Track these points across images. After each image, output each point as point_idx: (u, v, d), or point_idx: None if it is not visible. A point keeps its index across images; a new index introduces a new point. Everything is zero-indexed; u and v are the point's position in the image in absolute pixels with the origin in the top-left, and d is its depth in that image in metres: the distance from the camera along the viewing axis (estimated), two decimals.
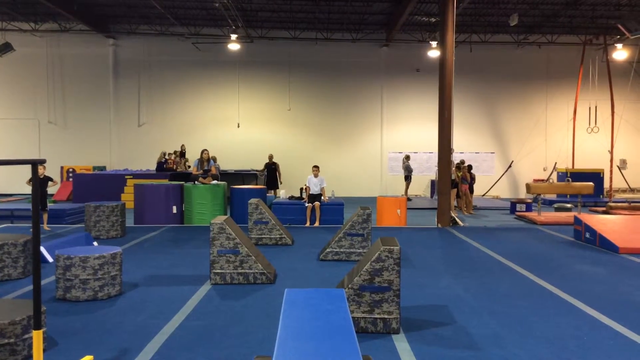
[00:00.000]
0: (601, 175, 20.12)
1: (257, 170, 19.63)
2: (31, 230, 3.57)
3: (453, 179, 14.35)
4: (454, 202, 15.60)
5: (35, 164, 3.63)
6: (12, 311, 4.49)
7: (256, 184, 18.86)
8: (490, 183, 22.01)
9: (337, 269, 7.86)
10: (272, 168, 18.53)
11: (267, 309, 5.87)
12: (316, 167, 12.90)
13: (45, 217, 11.81)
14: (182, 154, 20.25)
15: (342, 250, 8.69)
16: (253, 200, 10.27)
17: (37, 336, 3.53)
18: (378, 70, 22.34)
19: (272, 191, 17.75)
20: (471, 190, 16.50)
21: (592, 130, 20.92)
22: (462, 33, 20.90)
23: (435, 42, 20.06)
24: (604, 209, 15.86)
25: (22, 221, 13.01)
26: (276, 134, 22.22)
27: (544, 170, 22.51)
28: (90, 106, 21.93)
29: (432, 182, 20.58)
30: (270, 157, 18.75)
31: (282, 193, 14.79)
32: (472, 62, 21.60)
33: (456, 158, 16.49)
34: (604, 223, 10.68)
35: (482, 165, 22.41)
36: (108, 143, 22.05)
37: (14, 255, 7.23)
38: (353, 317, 5.00)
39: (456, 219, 13.39)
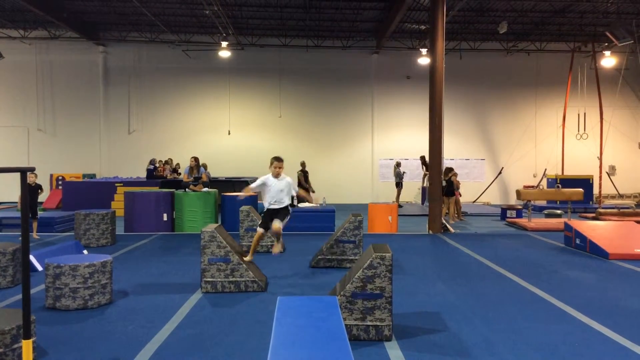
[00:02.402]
0: (590, 182, 20.26)
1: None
2: (20, 238, 3.54)
3: (444, 186, 14.35)
4: (453, 209, 15.63)
5: (24, 172, 3.60)
6: (1, 321, 4.44)
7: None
8: (481, 189, 22.09)
9: (329, 276, 7.84)
10: (306, 176, 17.65)
11: (258, 317, 5.84)
12: (278, 159, 7.51)
13: (35, 225, 11.71)
14: (166, 163, 20.05)
15: (333, 257, 8.67)
16: (244, 208, 10.24)
17: (26, 346, 3.49)
18: (369, 77, 22.43)
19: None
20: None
21: (581, 136, 21.08)
22: (452, 40, 21.05)
23: (426, 50, 20.17)
24: (593, 215, 15.96)
25: (11, 229, 12.89)
26: (267, 141, 22.21)
27: (534, 176, 22.64)
28: (80, 114, 21.84)
29: (423, 188, 20.63)
30: (303, 164, 17.75)
31: None
32: (462, 69, 21.74)
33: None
34: (594, 229, 10.73)
35: (472, 172, 22.52)
36: (98, 150, 21.95)
37: (2, 264, 7.16)
38: (345, 325, 4.99)
39: (447, 225, 13.42)
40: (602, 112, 20.29)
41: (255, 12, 19.09)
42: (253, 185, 7.56)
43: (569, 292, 7.00)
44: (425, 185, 20.45)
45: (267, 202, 7.46)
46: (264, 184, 7.47)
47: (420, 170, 21.59)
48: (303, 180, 17.36)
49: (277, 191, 7.40)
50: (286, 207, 7.49)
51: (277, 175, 7.38)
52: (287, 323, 2.82)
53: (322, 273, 8.19)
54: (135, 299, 6.60)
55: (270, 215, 7.42)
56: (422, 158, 19.96)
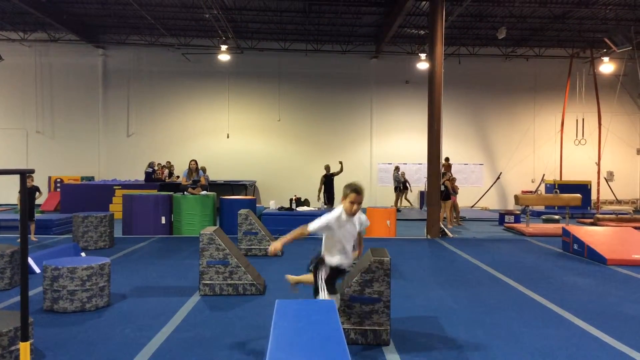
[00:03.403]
0: (589, 187, 20.30)
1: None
2: (18, 240, 3.54)
3: (442, 190, 14.36)
4: (450, 214, 15.64)
5: (23, 174, 3.60)
6: None
7: (245, 195, 18.81)
8: (479, 194, 22.11)
9: None
10: (330, 180, 16.59)
11: (256, 320, 5.84)
12: (358, 191, 4.67)
13: (32, 227, 11.69)
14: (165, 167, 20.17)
15: None
16: (243, 211, 10.25)
17: (24, 348, 3.49)
18: (368, 81, 22.46)
19: (331, 205, 16.01)
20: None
21: (579, 142, 21.12)
22: (450, 45, 21.09)
23: (424, 55, 20.22)
24: (591, 220, 16.00)
25: (9, 231, 12.88)
26: (266, 145, 22.23)
27: (532, 181, 22.66)
28: (79, 116, 21.85)
29: (422, 193, 20.64)
30: (328, 167, 16.74)
31: (272, 204, 14.75)
32: (460, 74, 21.78)
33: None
34: (592, 235, 10.75)
35: (470, 177, 22.54)
36: (97, 153, 21.94)
37: (0, 265, 7.15)
38: (343, 329, 4.98)
39: (445, 230, 13.43)
40: (600, 118, 20.33)
41: (255, 16, 19.12)
42: (314, 226, 4.53)
43: (566, 297, 7.01)
44: (399, 206, 20.19)
45: (331, 254, 4.67)
46: (328, 227, 4.56)
47: (419, 175, 21.60)
48: (321, 186, 16.40)
49: (350, 236, 4.69)
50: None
51: (353, 212, 4.66)
52: (285, 326, 2.82)
53: None
54: (133, 302, 6.60)
55: (337, 276, 4.76)
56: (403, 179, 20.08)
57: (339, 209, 4.64)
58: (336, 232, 4.58)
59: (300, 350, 2.48)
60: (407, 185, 19.98)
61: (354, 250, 4.83)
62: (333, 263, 4.63)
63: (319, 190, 16.38)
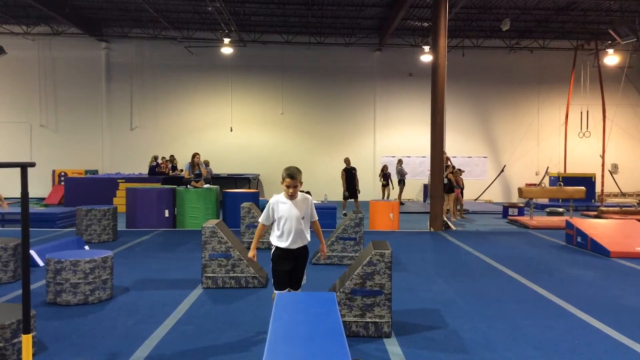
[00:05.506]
0: (593, 180, 20.23)
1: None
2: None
3: (446, 183, 14.33)
4: (454, 206, 15.61)
5: (24, 167, 3.60)
6: (1, 315, 4.45)
7: (249, 188, 18.82)
8: (483, 187, 22.06)
9: (329, 272, 7.85)
10: (352, 173, 15.81)
11: (258, 312, 5.85)
12: (291, 175, 4.62)
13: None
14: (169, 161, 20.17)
15: (334, 254, 8.68)
16: (245, 204, 10.26)
17: (26, 340, 3.50)
18: (371, 74, 22.39)
19: (354, 201, 15.64)
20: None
21: (583, 134, 21.04)
22: (454, 38, 21.00)
23: (428, 47, 20.13)
24: (595, 213, 15.95)
25: (14, 225, 12.92)
26: (269, 138, 22.21)
27: (536, 174, 22.60)
28: (83, 110, 21.86)
29: (425, 186, 20.61)
30: (348, 161, 16.04)
31: None
32: (464, 67, 21.69)
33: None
34: (596, 227, 10.72)
35: (474, 170, 22.48)
36: (100, 147, 21.97)
37: (4, 259, 7.18)
38: (344, 321, 4.99)
39: (448, 222, 13.41)
40: (604, 110, 20.24)
41: (257, 8, 19.07)
42: (262, 218, 4.82)
43: (569, 290, 7.00)
44: (386, 198, 19.71)
45: (278, 238, 4.75)
46: (270, 214, 4.77)
47: (422, 168, 21.56)
48: (343, 180, 15.81)
49: (295, 219, 4.68)
50: (306, 247, 4.87)
51: (293, 195, 4.69)
52: (284, 319, 2.82)
53: (323, 270, 8.19)
54: (136, 295, 6.62)
55: (287, 262, 4.75)
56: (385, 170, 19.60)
57: (279, 194, 4.83)
58: (279, 215, 4.72)
59: (299, 342, 2.48)
60: (390, 181, 19.59)
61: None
62: (277, 244, 4.77)
63: (343, 184, 15.72)
